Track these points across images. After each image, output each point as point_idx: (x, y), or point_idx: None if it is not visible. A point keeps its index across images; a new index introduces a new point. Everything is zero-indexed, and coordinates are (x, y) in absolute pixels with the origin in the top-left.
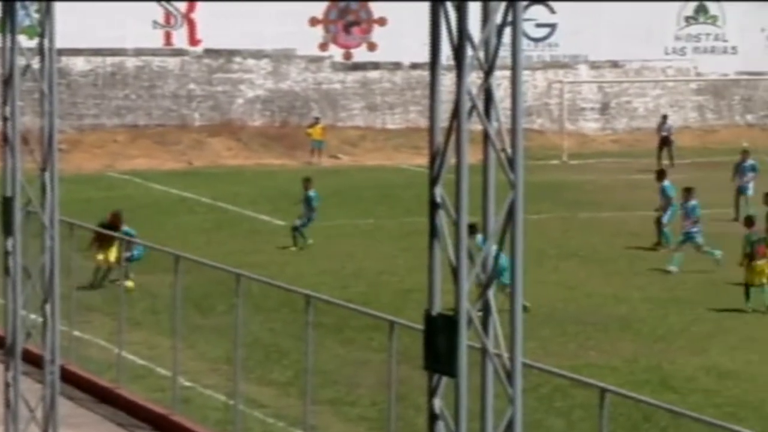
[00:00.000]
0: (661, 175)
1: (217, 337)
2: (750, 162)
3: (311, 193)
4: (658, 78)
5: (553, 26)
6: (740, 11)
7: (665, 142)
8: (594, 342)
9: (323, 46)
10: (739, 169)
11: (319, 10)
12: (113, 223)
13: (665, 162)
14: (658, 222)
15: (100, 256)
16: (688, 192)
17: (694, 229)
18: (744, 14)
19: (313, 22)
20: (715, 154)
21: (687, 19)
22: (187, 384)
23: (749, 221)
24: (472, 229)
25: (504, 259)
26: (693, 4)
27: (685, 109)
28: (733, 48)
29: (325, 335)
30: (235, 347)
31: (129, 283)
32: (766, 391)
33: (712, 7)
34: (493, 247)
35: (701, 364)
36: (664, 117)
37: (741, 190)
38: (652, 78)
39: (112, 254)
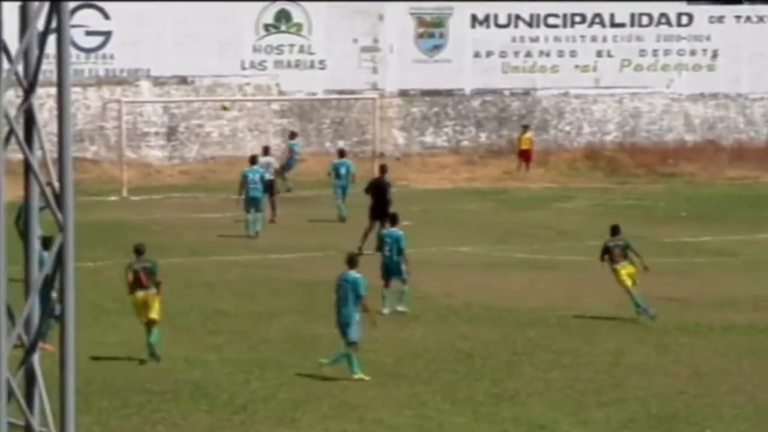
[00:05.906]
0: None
1: None
2: None
3: None
4: (234, 97)
5: (107, 34)
6: (327, 18)
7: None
8: (162, 414)
9: None
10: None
11: None
12: None
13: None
14: None
15: None
16: None
17: None
18: (332, 22)
19: None
20: (302, 188)
21: (267, 27)
22: None
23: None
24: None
25: None
26: (274, 9)
27: (266, 134)
28: (321, 62)
29: None
30: None
31: None
32: None
33: (296, 13)
34: (38, 303)
35: None
36: (266, 149)
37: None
38: (228, 97)
39: None
